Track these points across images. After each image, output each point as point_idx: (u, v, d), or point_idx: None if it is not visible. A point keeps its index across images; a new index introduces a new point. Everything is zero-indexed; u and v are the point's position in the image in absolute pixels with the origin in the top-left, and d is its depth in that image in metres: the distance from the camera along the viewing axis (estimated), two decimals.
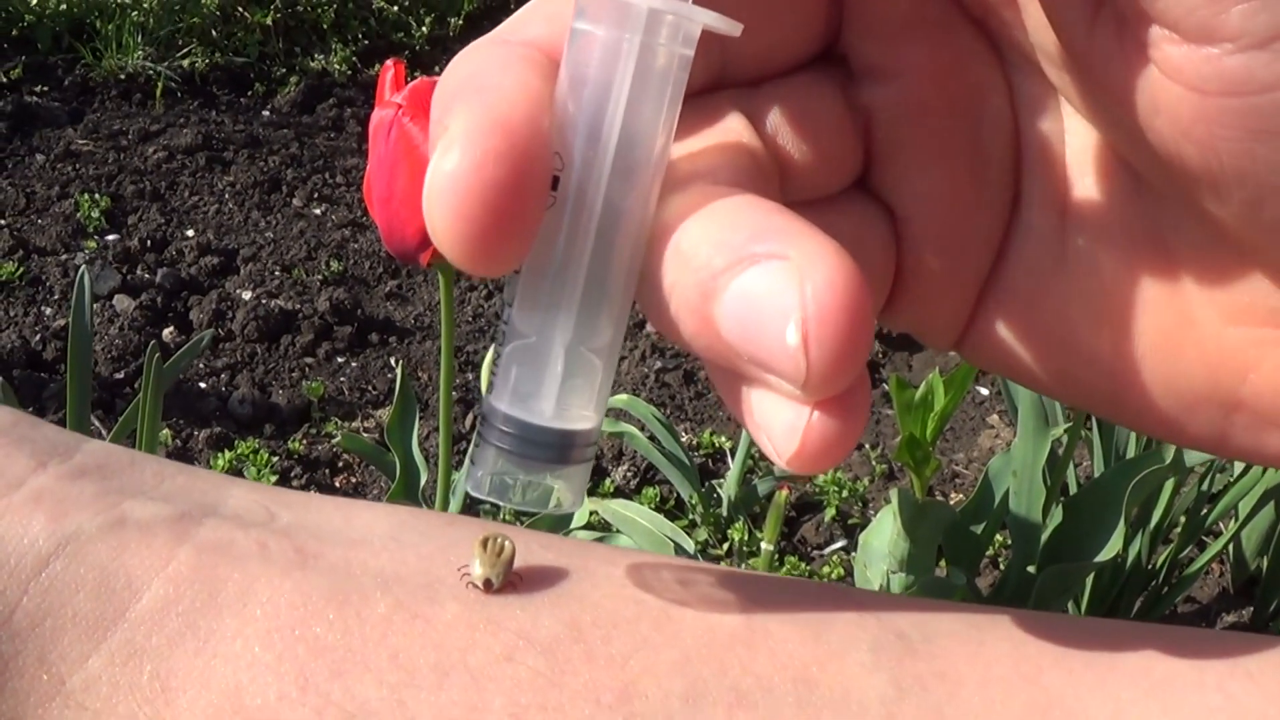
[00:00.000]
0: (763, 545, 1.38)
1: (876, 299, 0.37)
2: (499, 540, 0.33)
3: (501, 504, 0.32)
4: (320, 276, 2.75)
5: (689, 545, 1.56)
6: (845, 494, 2.23)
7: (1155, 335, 0.35)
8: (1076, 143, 0.35)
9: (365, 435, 2.32)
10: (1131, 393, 0.36)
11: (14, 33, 3.48)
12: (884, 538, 1.46)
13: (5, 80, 3.32)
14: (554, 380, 0.31)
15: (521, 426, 0.31)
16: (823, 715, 0.30)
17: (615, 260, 0.31)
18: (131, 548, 0.32)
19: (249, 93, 3.48)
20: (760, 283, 0.29)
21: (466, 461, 1.51)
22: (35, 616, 0.31)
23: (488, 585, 0.33)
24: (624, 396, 1.95)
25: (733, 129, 0.34)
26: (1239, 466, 1.80)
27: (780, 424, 0.30)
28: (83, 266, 1.63)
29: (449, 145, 0.29)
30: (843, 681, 0.31)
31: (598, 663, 0.30)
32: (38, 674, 0.30)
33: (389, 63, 1.13)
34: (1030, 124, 0.36)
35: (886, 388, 2.43)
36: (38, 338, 2.46)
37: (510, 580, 0.33)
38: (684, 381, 2.50)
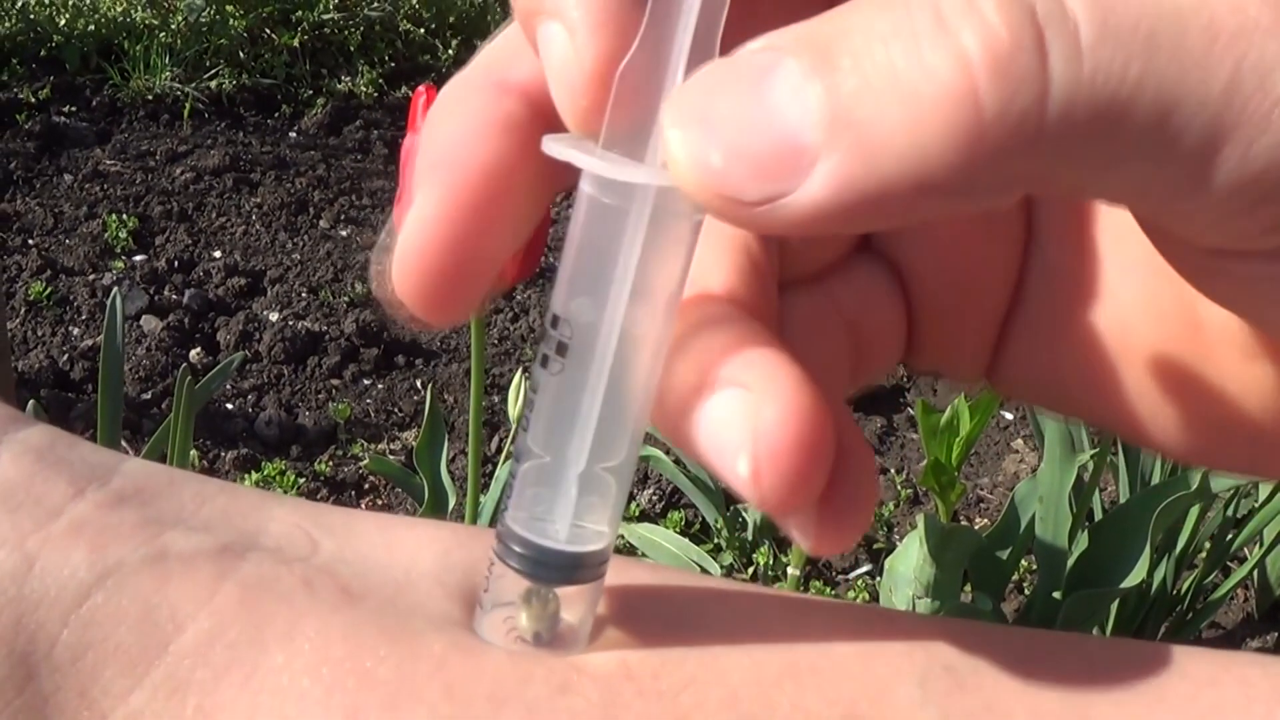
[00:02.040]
0: (789, 570, 1.38)
1: (892, 352, 0.38)
2: (544, 592, 0.32)
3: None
4: (347, 298, 2.76)
5: (714, 569, 1.56)
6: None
7: (1181, 363, 0.35)
8: None
9: (391, 457, 2.33)
10: (1159, 420, 0.36)
11: (42, 53, 3.50)
12: (910, 562, 1.46)
13: (33, 100, 3.34)
14: (568, 503, 0.31)
15: (535, 549, 0.32)
16: None
17: (628, 408, 0.31)
18: (175, 581, 0.31)
19: (276, 114, 3.50)
20: (721, 411, 0.30)
21: (493, 485, 1.51)
22: (76, 650, 0.30)
23: (538, 639, 0.32)
24: None
25: None
26: (1264, 492, 1.80)
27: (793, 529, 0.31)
28: (115, 288, 1.64)
29: (409, 222, 0.31)
30: (891, 717, 0.30)
31: (649, 698, 0.30)
32: (79, 710, 0.29)
33: (421, 88, 1.13)
34: None
35: (911, 412, 2.44)
36: (65, 357, 2.48)
37: (561, 633, 0.32)
38: None
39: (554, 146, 0.30)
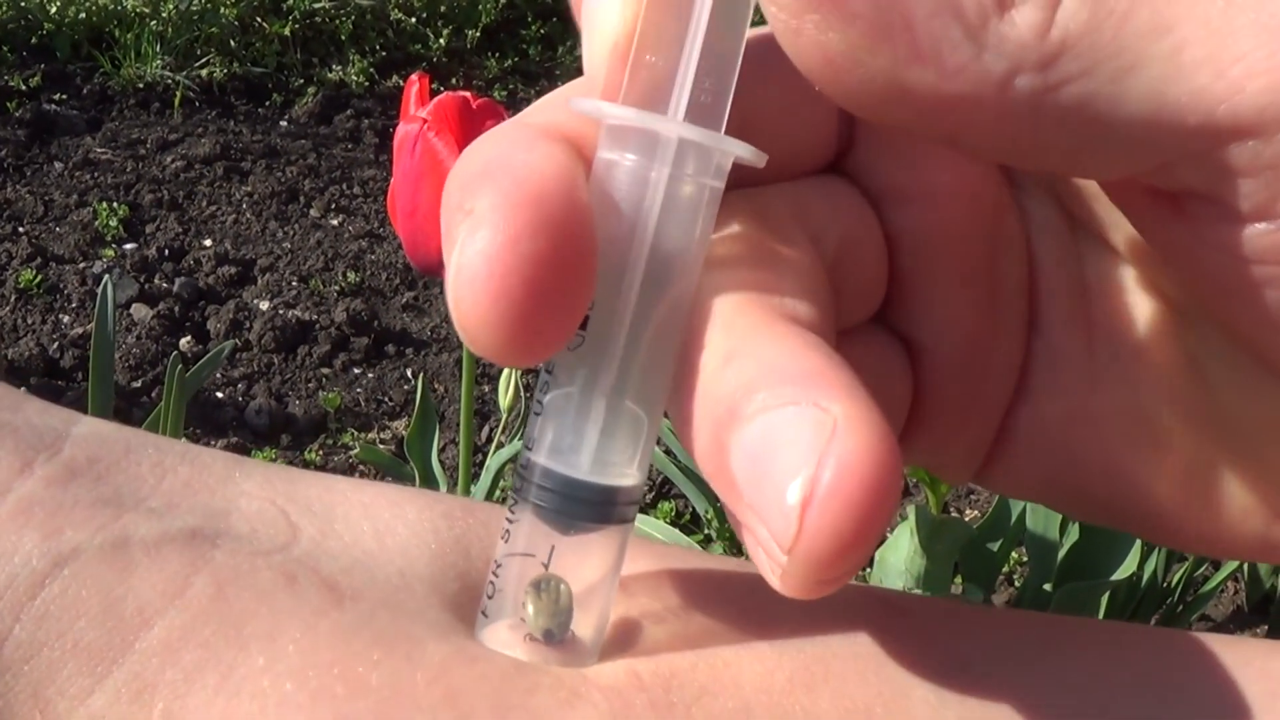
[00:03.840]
0: None
1: (894, 426, 0.36)
2: (553, 583, 0.30)
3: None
4: (337, 287, 2.75)
5: None
6: None
7: (1197, 453, 0.34)
8: (1093, 262, 0.35)
9: (381, 447, 2.32)
10: (1172, 511, 0.35)
11: (33, 41, 3.49)
12: (900, 554, 1.46)
13: (24, 88, 3.33)
14: (596, 431, 0.29)
15: (560, 481, 0.29)
16: None
17: (651, 376, 0.30)
18: (140, 571, 0.28)
19: (267, 103, 3.49)
20: (790, 425, 0.26)
21: (483, 474, 1.51)
22: (29, 648, 0.27)
23: (549, 636, 0.29)
24: None
25: (793, 240, 0.32)
26: None
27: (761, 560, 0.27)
28: (106, 276, 1.64)
29: (475, 225, 0.27)
30: None
31: (661, 710, 0.28)
32: (31, 713, 0.27)
33: (414, 77, 1.13)
34: (1044, 246, 0.35)
35: None
36: (55, 346, 2.47)
37: (571, 639, 0.30)
38: None
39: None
